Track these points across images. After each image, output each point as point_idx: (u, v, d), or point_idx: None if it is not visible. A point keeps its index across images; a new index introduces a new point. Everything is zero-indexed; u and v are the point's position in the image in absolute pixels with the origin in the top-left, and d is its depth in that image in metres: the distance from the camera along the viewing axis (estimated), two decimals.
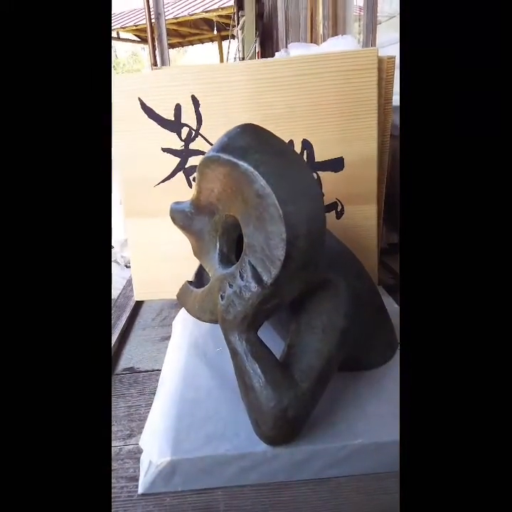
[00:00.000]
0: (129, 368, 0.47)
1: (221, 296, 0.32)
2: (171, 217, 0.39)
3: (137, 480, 0.33)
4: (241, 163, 0.29)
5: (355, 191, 0.49)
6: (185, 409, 0.35)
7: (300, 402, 0.30)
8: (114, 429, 0.39)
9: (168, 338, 0.50)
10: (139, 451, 0.35)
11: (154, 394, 0.41)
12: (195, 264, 0.53)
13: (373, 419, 0.33)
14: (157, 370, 0.46)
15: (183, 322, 0.51)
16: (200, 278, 0.39)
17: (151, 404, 0.40)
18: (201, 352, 0.43)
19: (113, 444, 0.37)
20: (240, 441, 0.32)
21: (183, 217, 0.37)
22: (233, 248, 0.35)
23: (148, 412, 0.39)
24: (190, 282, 0.39)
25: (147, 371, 0.47)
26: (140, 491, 0.32)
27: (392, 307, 0.51)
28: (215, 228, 0.36)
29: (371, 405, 0.35)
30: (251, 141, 0.31)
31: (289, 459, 0.31)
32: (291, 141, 0.47)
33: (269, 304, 0.30)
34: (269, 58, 0.46)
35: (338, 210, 0.50)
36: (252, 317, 0.30)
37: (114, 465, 0.35)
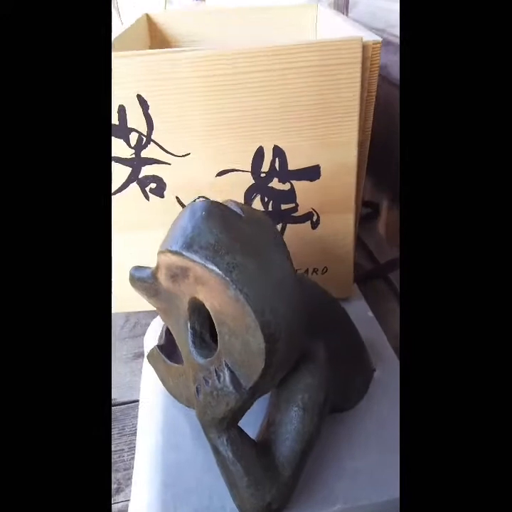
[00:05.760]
0: None
1: (197, 388, 0.29)
2: (131, 284, 0.33)
3: None
4: (212, 267, 0.25)
5: (331, 200, 0.44)
6: (169, 478, 0.34)
7: (283, 494, 0.29)
8: None
9: (141, 354, 0.48)
10: None
11: (134, 434, 0.39)
12: None
13: (351, 478, 0.33)
14: (134, 401, 0.44)
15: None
16: (169, 340, 0.35)
17: (133, 446, 0.38)
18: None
19: None
20: None
21: (145, 286, 0.32)
22: (206, 324, 0.31)
23: (132, 458, 0.37)
24: (160, 347, 0.36)
25: (124, 403, 0.44)
26: None
27: (367, 316, 0.50)
28: (183, 303, 0.31)
29: (348, 459, 0.34)
30: (220, 235, 0.26)
31: None
32: (260, 148, 0.41)
33: (249, 403, 0.28)
34: (228, 50, 0.37)
35: (314, 220, 0.45)
36: (231, 418, 0.28)
37: None
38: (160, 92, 0.38)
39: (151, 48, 0.61)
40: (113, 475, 0.38)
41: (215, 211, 0.28)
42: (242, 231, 0.27)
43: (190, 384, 0.31)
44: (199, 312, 0.31)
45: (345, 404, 0.39)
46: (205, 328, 0.31)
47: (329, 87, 0.38)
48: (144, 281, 0.32)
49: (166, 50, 0.37)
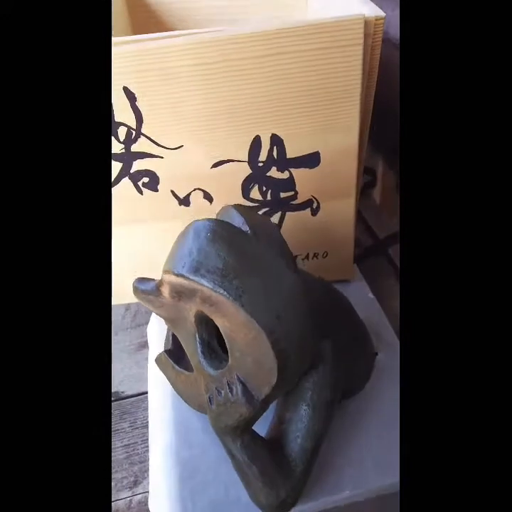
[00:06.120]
0: (113, 392, 0.45)
1: (209, 398, 0.29)
2: (135, 296, 0.33)
3: None
4: (221, 292, 0.24)
5: (332, 186, 0.43)
6: (185, 472, 0.35)
7: (296, 489, 0.30)
8: (118, 475, 0.39)
9: (145, 344, 0.48)
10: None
11: (146, 427, 0.40)
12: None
13: (357, 464, 0.35)
14: (142, 393, 0.44)
15: (158, 338, 0.48)
16: (177, 344, 0.35)
17: (146, 439, 0.39)
18: None
19: (121, 495, 0.38)
20: (241, 506, 0.33)
21: (150, 299, 0.31)
22: (214, 333, 0.31)
23: (146, 450, 0.38)
24: (168, 352, 0.36)
25: (133, 396, 0.45)
26: None
27: (367, 297, 0.50)
28: (190, 315, 0.31)
29: (354, 445, 0.36)
30: (228, 258, 0.25)
31: None
32: (257, 137, 0.39)
33: (261, 412, 0.29)
34: (220, 33, 0.34)
35: (314, 207, 0.44)
36: (244, 426, 0.29)
37: None
38: (148, 83, 0.36)
39: (131, 23, 0.56)
40: (130, 468, 0.39)
41: (220, 232, 0.27)
42: (249, 250, 0.27)
43: (201, 392, 0.32)
44: (207, 323, 0.31)
45: (349, 390, 0.40)
46: (213, 336, 0.31)
47: (328, 71, 0.36)
48: (148, 293, 0.31)
49: (152, 36, 0.34)
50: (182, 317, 0.31)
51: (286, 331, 0.26)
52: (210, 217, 0.43)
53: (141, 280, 0.32)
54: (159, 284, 0.30)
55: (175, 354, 0.36)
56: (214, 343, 0.31)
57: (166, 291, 0.29)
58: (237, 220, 0.30)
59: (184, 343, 0.33)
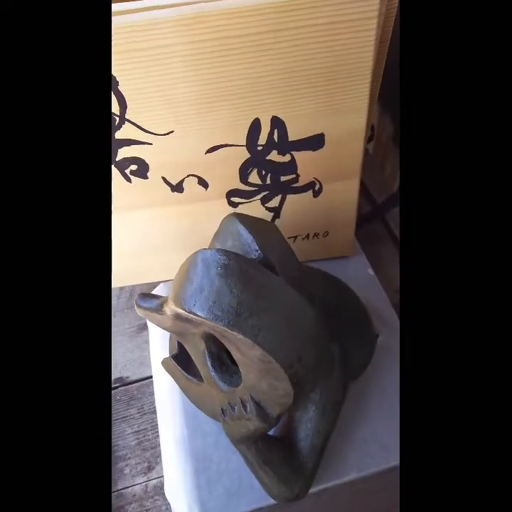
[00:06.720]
0: (117, 378, 0.45)
1: (222, 410, 0.30)
2: (138, 312, 0.31)
3: None
4: (236, 332, 0.23)
5: (336, 168, 0.40)
6: (200, 464, 0.37)
7: (308, 483, 0.32)
8: (131, 461, 0.40)
9: (145, 326, 0.47)
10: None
11: (154, 412, 0.41)
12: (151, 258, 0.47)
13: (361, 447, 0.37)
14: (147, 377, 0.44)
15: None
16: (183, 349, 0.34)
17: (155, 425, 0.40)
18: None
19: (137, 480, 0.39)
20: (255, 493, 0.36)
21: (154, 316, 0.30)
22: (222, 346, 0.30)
23: (157, 436, 0.39)
24: (174, 357, 0.35)
25: (137, 381, 0.45)
26: None
27: (367, 273, 0.50)
28: (197, 332, 0.29)
29: (357, 429, 0.37)
30: (242, 296, 0.23)
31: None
32: (257, 120, 0.35)
33: (274, 426, 0.30)
34: (215, 6, 0.29)
35: (316, 189, 0.42)
36: (258, 437, 0.30)
37: (147, 504, 0.38)
38: (131, 65, 0.31)
39: None
40: (143, 454, 0.40)
41: (231, 265, 0.25)
42: (262, 283, 0.25)
43: (214, 402, 0.32)
44: (214, 339, 0.30)
45: (351, 374, 0.41)
46: (221, 349, 0.31)
47: (337, 47, 0.31)
48: (152, 311, 0.30)
49: (136, 4, 0.29)
50: (189, 333, 0.30)
51: (304, 362, 0.25)
52: (207, 203, 0.41)
53: (144, 297, 0.30)
54: (163, 304, 0.29)
55: (182, 359, 0.35)
56: (223, 356, 0.31)
57: (170, 313, 0.28)
58: (245, 237, 0.28)
59: (192, 353, 0.32)
